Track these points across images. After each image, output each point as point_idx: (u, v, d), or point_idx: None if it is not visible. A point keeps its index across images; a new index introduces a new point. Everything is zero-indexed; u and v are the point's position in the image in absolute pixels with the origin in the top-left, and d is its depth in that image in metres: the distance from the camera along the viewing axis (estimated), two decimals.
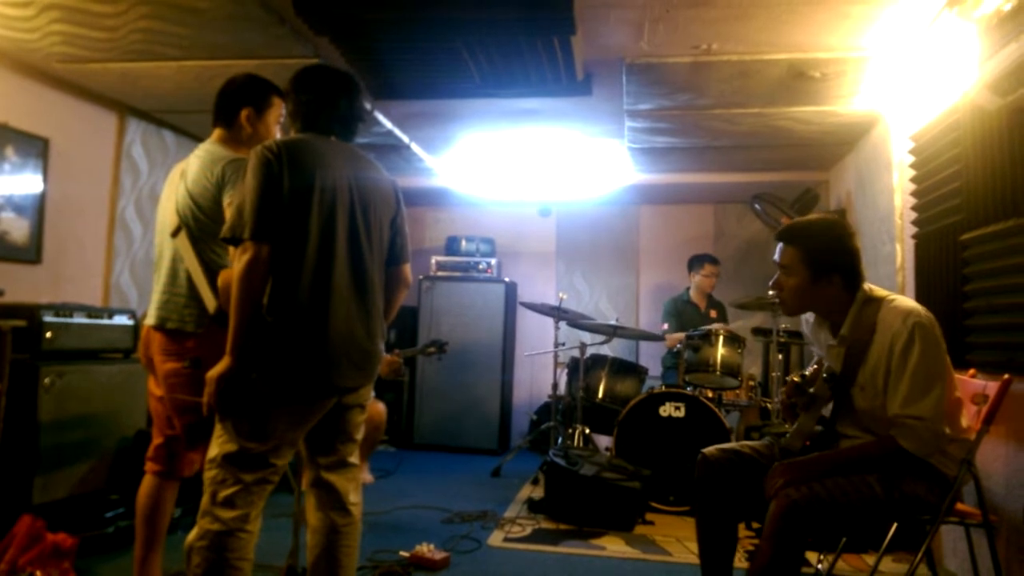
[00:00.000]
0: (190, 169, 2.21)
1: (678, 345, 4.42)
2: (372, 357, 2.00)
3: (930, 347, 1.90)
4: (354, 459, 2.09)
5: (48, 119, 3.61)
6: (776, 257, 2.13)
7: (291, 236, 1.83)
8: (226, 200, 2.07)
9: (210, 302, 2.14)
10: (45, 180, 3.59)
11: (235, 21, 2.84)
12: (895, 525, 2.13)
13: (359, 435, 2.10)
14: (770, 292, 2.21)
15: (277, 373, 1.82)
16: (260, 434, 1.82)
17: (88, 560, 2.80)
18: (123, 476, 3.21)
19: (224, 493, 1.80)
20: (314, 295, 1.85)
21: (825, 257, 2.04)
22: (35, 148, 3.54)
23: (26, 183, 3.50)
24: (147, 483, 2.29)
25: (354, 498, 2.06)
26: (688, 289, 5.20)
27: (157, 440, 2.32)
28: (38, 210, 3.56)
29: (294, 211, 1.84)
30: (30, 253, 3.52)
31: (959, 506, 2.16)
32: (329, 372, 1.88)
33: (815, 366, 2.24)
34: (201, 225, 2.16)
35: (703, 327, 4.45)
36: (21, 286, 3.41)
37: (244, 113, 2.27)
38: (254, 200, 1.80)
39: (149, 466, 2.30)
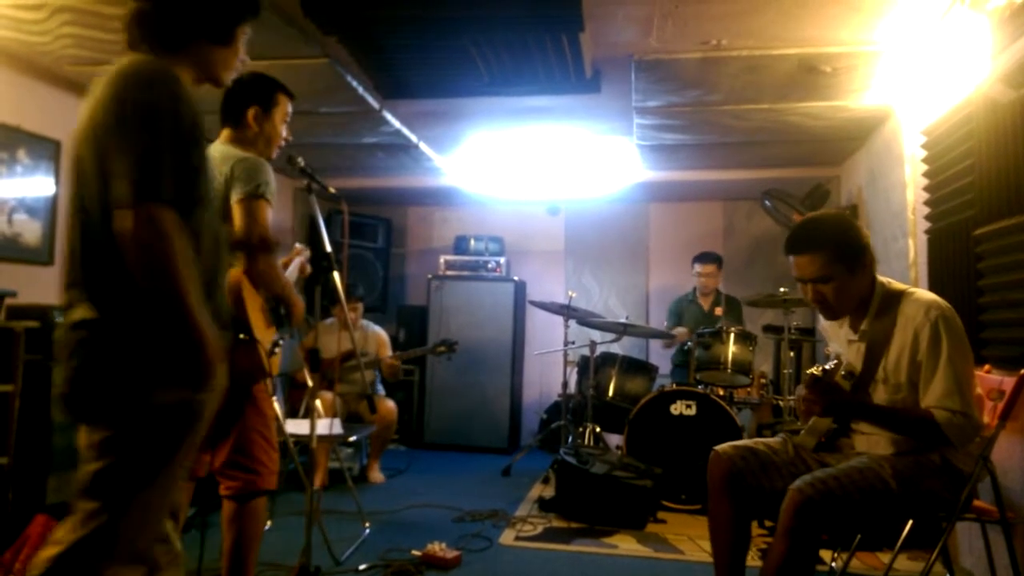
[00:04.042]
0: None
1: (687, 343, 4.40)
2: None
3: (957, 339, 1.89)
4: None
5: (60, 121, 3.62)
6: (802, 272, 2.00)
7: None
8: (234, 198, 2.08)
9: None
10: (57, 182, 3.61)
11: None
12: (910, 522, 2.12)
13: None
14: (813, 303, 2.05)
15: None
16: None
17: None
18: None
19: None
20: None
21: (852, 248, 1.97)
22: (47, 150, 3.56)
23: (38, 185, 3.52)
24: None
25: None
26: (695, 288, 5.18)
27: None
28: (50, 212, 3.58)
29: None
30: (42, 255, 3.54)
31: (976, 503, 2.14)
32: None
33: (836, 361, 2.20)
34: None
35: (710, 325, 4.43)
36: (34, 287, 3.43)
37: (251, 112, 2.27)
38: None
39: None
